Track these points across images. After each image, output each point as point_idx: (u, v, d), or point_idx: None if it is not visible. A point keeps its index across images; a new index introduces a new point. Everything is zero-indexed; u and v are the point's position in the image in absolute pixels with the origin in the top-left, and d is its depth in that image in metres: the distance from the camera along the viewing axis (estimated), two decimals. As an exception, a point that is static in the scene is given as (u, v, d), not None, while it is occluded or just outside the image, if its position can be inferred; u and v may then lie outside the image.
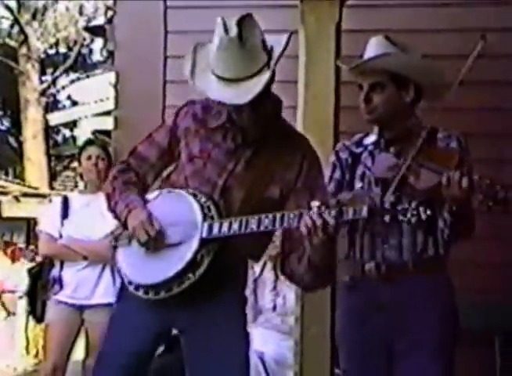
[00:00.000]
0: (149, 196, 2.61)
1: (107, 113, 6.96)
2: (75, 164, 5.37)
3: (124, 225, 2.55)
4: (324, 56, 3.24)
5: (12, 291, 11.62)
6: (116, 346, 2.58)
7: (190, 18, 4.70)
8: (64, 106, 22.33)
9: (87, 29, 17.51)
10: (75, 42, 20.30)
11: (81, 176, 4.58)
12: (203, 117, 2.60)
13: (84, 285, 4.27)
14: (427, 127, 2.71)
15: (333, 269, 2.49)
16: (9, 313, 10.02)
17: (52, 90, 22.60)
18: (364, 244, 2.75)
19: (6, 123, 26.99)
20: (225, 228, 2.40)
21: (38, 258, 5.77)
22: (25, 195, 13.27)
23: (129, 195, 2.58)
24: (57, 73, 22.43)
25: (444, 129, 2.78)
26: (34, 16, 19.96)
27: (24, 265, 11.14)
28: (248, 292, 4.08)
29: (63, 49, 21.93)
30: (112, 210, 2.63)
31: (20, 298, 7.27)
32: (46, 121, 17.70)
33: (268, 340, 4.00)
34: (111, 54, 5.91)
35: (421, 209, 2.27)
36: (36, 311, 4.47)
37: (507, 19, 4.36)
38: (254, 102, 2.37)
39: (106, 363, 2.60)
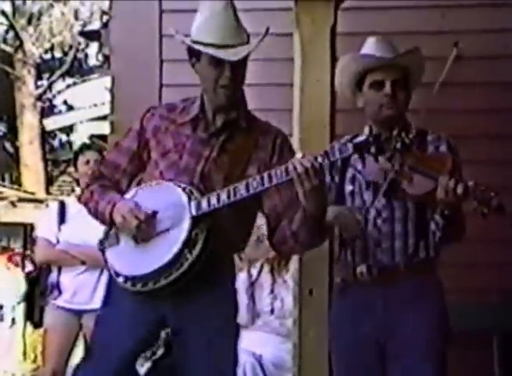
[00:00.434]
0: (127, 195, 2.62)
1: (103, 117, 6.96)
2: (72, 168, 5.36)
3: (110, 223, 2.56)
4: (319, 59, 3.24)
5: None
6: (109, 344, 2.57)
7: (186, 21, 4.70)
8: (60, 111, 22.31)
9: (82, 34, 17.54)
10: (71, 47, 20.28)
11: (77, 181, 4.58)
12: (169, 115, 2.67)
13: (82, 290, 4.28)
14: (414, 129, 2.72)
15: (325, 221, 2.51)
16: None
17: (48, 95, 22.57)
18: (356, 247, 2.75)
19: (2, 128, 26.93)
20: (213, 201, 2.44)
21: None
22: (21, 200, 13.26)
23: (109, 193, 2.62)
24: (53, 78, 22.40)
25: (432, 131, 2.80)
26: (29, 21, 19.94)
27: (20, 271, 11.16)
28: (246, 296, 4.11)
29: (58, 54, 21.92)
30: (94, 212, 2.64)
31: (18, 303, 7.26)
32: (42, 126, 17.71)
33: (266, 343, 4.00)
34: (107, 58, 5.92)
35: (403, 134, 2.32)
36: (34, 316, 4.47)
37: (505, 21, 4.37)
38: (236, 71, 2.52)
39: (97, 362, 2.59)
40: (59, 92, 22.99)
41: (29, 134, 19.88)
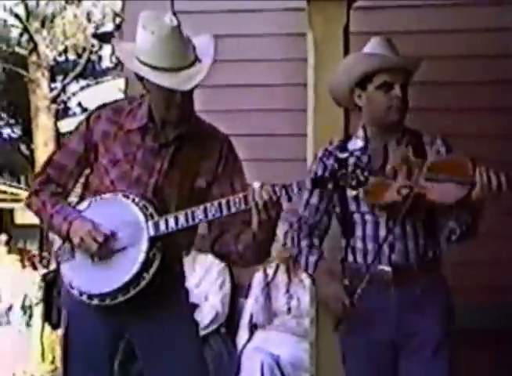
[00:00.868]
0: (80, 206, 2.62)
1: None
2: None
3: (66, 239, 2.57)
4: (332, 58, 3.23)
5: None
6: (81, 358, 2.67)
7: (198, 22, 4.71)
8: (74, 113, 22.42)
9: (95, 36, 17.58)
10: (84, 49, 20.36)
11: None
12: (117, 119, 2.64)
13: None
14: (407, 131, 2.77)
15: (271, 244, 2.55)
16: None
17: (63, 97, 22.67)
18: (368, 248, 2.74)
19: (17, 131, 27.07)
20: (171, 223, 2.46)
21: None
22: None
23: (63, 207, 2.61)
24: (67, 80, 22.50)
25: (426, 132, 2.81)
26: (42, 24, 20.03)
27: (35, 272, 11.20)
28: (262, 296, 4.11)
29: (72, 56, 21.98)
30: (47, 225, 2.65)
31: (36, 304, 7.30)
32: (57, 128, 17.76)
33: (283, 343, 4.00)
34: (120, 60, 5.93)
35: (358, 171, 2.34)
36: (52, 318, 4.49)
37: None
38: (187, 95, 2.48)
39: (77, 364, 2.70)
40: (73, 94, 23.11)
41: (44, 136, 19.98)
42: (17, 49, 21.29)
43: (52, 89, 21.33)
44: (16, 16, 21.20)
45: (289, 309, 4.11)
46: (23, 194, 13.95)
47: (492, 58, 4.32)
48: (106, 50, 21.14)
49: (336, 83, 2.87)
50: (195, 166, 2.60)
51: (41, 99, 20.40)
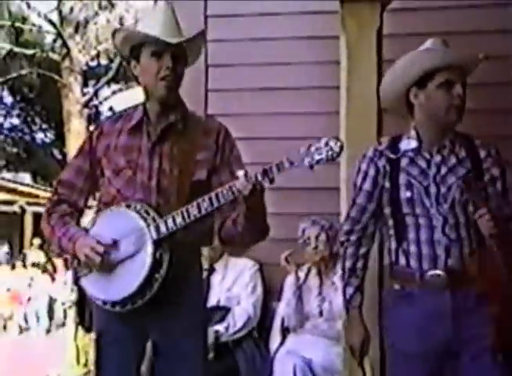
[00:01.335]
0: (88, 225, 2.76)
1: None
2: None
3: (74, 258, 2.70)
4: (366, 61, 3.23)
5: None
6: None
7: (230, 26, 4.72)
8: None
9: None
10: (116, 54, 20.49)
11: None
12: (116, 127, 2.77)
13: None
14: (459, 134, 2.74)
15: (265, 219, 2.67)
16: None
17: (95, 102, 22.85)
18: (422, 253, 2.69)
19: (50, 135, 27.35)
20: (170, 224, 2.58)
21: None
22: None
23: (69, 228, 2.74)
24: (99, 84, 22.67)
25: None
26: (76, 30, 20.22)
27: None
28: (294, 299, 4.10)
29: (104, 61, 22.17)
30: (58, 248, 2.77)
31: (69, 307, 7.35)
32: (89, 133, 17.89)
33: (315, 346, 3.99)
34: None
35: (331, 143, 2.41)
36: (85, 321, 4.52)
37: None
38: (176, 60, 2.65)
39: None
40: (105, 99, 23.29)
41: (76, 141, 20.10)
42: (51, 55, 21.51)
43: (84, 94, 21.52)
44: (50, 21, 21.42)
45: (321, 312, 4.10)
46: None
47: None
48: (138, 55, 21.25)
49: (391, 82, 2.80)
50: (191, 159, 2.68)
51: (74, 103, 20.59)
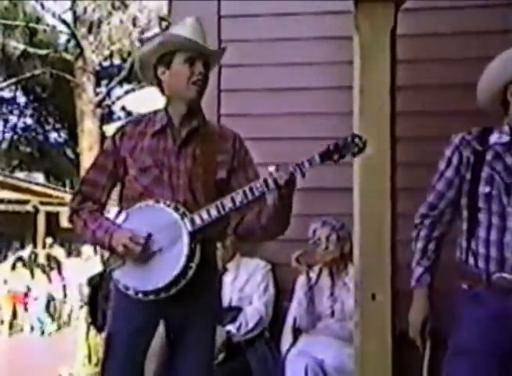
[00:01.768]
0: (118, 220, 2.88)
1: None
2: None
3: (110, 250, 2.84)
4: (379, 61, 3.22)
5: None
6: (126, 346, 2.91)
7: (244, 26, 4.73)
8: (119, 117, 22.67)
9: (141, 40, 17.72)
10: (129, 54, 20.56)
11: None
12: (139, 129, 2.93)
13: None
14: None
15: (291, 212, 2.82)
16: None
17: (107, 101, 22.92)
18: (490, 255, 2.64)
19: (63, 135, 27.46)
20: (205, 216, 2.75)
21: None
22: (83, 206, 13.46)
23: (102, 222, 2.89)
24: (112, 84, 22.75)
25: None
26: (89, 30, 20.29)
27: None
28: (305, 299, 4.10)
29: (117, 61, 22.24)
30: (92, 240, 2.91)
31: (81, 307, 7.38)
32: (102, 132, 17.96)
33: (327, 347, 3.98)
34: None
35: (356, 140, 2.60)
36: (97, 321, 4.52)
37: None
38: (207, 67, 2.86)
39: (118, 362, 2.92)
40: (117, 99, 23.34)
41: (89, 140, 20.22)
42: (64, 55, 21.60)
43: (97, 94, 21.60)
44: (64, 22, 21.51)
45: (332, 313, 4.10)
46: (69, 198, 14.11)
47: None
48: (151, 55, 21.27)
49: (487, 80, 2.75)
50: (213, 160, 2.88)
51: (87, 103, 20.68)
